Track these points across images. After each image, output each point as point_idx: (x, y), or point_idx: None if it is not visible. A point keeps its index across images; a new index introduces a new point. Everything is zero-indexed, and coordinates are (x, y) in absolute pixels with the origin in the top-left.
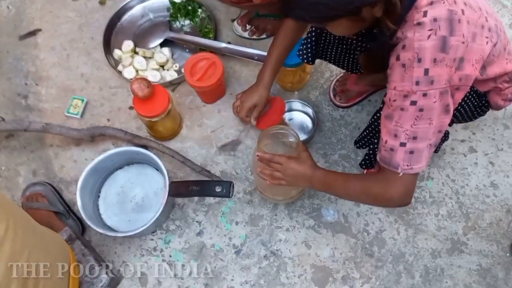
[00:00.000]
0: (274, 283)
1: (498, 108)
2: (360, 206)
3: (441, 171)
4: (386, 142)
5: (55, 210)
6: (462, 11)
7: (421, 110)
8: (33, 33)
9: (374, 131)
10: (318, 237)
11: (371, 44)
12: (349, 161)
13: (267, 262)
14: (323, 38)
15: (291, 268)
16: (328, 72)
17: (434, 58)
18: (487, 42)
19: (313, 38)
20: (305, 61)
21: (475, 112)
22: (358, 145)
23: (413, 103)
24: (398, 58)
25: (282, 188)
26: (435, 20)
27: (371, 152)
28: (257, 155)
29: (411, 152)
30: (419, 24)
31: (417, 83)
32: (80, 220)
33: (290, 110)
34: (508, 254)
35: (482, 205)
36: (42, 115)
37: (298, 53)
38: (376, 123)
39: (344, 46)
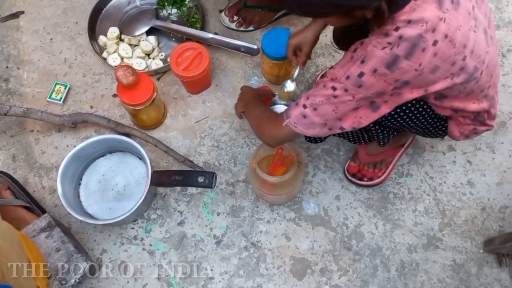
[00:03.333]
0: (253, 274)
1: (453, 138)
2: (340, 200)
3: (420, 168)
4: (300, 97)
5: (21, 205)
6: (435, 42)
7: (335, 97)
8: (15, 15)
9: None
10: (298, 229)
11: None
12: (331, 155)
13: (247, 253)
14: None
15: (270, 259)
16: (314, 67)
17: (375, 68)
18: (447, 77)
19: None
20: None
21: (428, 131)
22: None
23: (334, 88)
24: (354, 50)
25: (285, 190)
26: (400, 37)
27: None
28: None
29: (304, 116)
30: (386, 34)
31: (348, 77)
32: (45, 211)
33: (275, 103)
34: (481, 251)
35: (458, 203)
36: (23, 100)
37: None
38: None
39: None
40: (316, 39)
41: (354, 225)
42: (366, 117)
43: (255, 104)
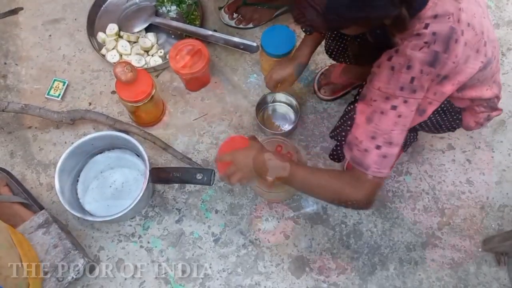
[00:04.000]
0: (252, 271)
1: (468, 128)
2: None
3: (419, 167)
4: (361, 142)
5: (19, 201)
6: (462, 31)
7: (399, 116)
8: (14, 11)
9: (344, 124)
10: (296, 227)
11: (370, 37)
12: None
13: (245, 251)
14: None
15: (268, 257)
16: (313, 65)
17: (422, 69)
18: (475, 65)
19: None
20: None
21: (444, 126)
22: (331, 134)
23: (394, 107)
24: (390, 59)
25: (284, 188)
26: (434, 34)
27: (338, 144)
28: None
29: (384, 156)
30: (418, 34)
31: (402, 88)
32: (42, 208)
33: (274, 101)
34: (480, 250)
35: (457, 201)
36: (21, 96)
37: None
38: (346, 116)
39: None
40: (299, 76)
41: (352, 223)
42: (413, 121)
43: (284, 166)
